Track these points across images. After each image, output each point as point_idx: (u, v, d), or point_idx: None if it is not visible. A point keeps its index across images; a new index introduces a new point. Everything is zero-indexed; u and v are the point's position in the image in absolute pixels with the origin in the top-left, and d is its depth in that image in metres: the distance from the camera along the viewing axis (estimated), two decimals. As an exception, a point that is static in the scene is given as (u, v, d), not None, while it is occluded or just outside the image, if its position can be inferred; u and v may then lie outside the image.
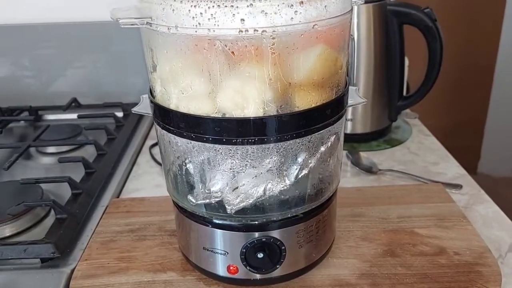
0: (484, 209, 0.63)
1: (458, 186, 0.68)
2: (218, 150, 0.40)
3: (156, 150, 0.82)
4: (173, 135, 0.41)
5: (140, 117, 0.93)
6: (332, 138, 0.43)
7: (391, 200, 0.62)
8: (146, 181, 0.73)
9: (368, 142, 0.83)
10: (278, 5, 0.34)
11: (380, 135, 0.84)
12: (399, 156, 0.79)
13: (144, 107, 0.46)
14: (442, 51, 0.76)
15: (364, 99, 0.46)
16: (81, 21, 0.97)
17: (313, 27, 0.36)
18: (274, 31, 0.35)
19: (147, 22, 0.38)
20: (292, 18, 0.35)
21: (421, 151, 0.80)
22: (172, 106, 0.40)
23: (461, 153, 0.94)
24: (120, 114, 0.93)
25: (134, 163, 0.79)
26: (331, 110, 0.41)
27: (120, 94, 0.97)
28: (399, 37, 0.78)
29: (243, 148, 0.39)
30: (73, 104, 0.95)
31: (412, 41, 0.85)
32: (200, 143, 0.40)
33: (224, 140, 0.39)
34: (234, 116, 0.38)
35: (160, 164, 0.77)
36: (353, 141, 0.82)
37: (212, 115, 0.39)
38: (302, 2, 0.35)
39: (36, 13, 0.97)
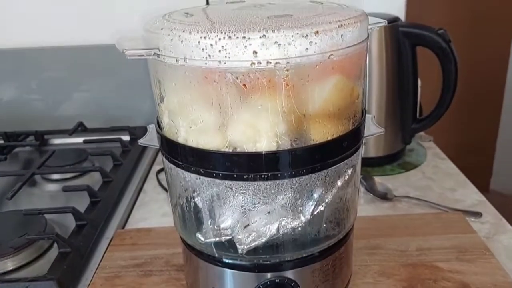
0: (507, 239, 0.60)
1: (477, 214, 0.65)
2: (229, 186, 0.38)
3: (163, 176, 0.80)
4: (181, 169, 0.39)
5: (147, 141, 0.91)
6: (349, 171, 0.41)
7: (409, 230, 0.59)
8: (153, 210, 0.71)
9: (382, 166, 0.80)
10: (292, 36, 0.33)
11: (394, 159, 0.82)
12: (415, 181, 0.76)
13: (150, 139, 0.44)
14: (457, 72, 0.74)
15: (381, 128, 0.44)
16: (88, 45, 0.96)
17: (328, 58, 0.34)
18: (288, 62, 0.33)
19: (154, 53, 0.36)
20: (306, 48, 0.33)
21: (437, 176, 0.77)
22: (181, 140, 0.38)
23: (473, 171, 0.91)
24: (127, 138, 0.91)
25: (140, 190, 0.77)
26: (348, 142, 0.39)
27: (127, 118, 0.96)
28: (412, 59, 0.76)
29: (255, 184, 0.37)
30: (79, 128, 0.93)
31: (424, 60, 0.83)
32: (209, 178, 0.38)
33: (235, 175, 0.37)
34: (246, 151, 0.36)
35: (167, 190, 0.75)
36: (366, 165, 0.80)
37: (222, 150, 0.36)
38: (317, 32, 0.33)
39: (42, 36, 0.97)
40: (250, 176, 0.37)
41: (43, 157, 0.80)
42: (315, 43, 0.33)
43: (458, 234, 0.58)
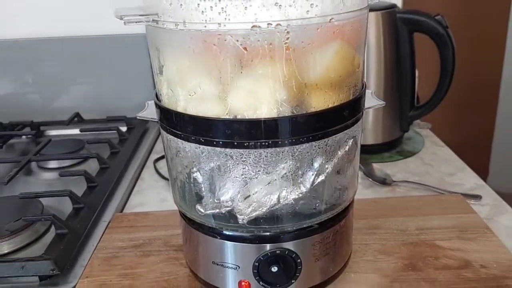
0: (508, 220, 0.60)
1: (477, 197, 0.64)
2: (229, 155, 0.37)
3: (161, 164, 0.80)
4: (181, 140, 0.39)
5: (144, 131, 0.90)
6: (350, 142, 0.41)
7: (409, 211, 0.59)
8: (151, 196, 0.70)
9: (380, 154, 0.80)
10: (293, -3, 0.32)
11: (392, 146, 0.82)
12: (413, 167, 0.76)
13: (149, 113, 0.44)
14: (455, 59, 0.74)
15: (381, 101, 0.44)
16: (85, 36, 0.96)
17: (330, 21, 0.34)
18: (288, 25, 0.33)
19: (153, 19, 0.36)
20: (308, 11, 0.33)
21: (435, 162, 0.77)
22: (180, 109, 0.38)
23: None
24: (124, 128, 0.90)
25: (138, 177, 0.76)
26: (349, 112, 0.39)
27: (124, 109, 0.95)
28: (410, 46, 0.77)
29: (255, 152, 0.37)
30: (76, 119, 0.93)
31: (421, 51, 0.83)
32: (209, 147, 0.37)
33: (235, 143, 0.36)
34: (246, 117, 0.36)
35: (165, 179, 0.75)
36: (364, 152, 0.79)
37: (222, 117, 0.36)
38: (318, -6, 0.33)
39: (39, 27, 0.96)
40: (250, 143, 0.36)
41: (39, 146, 0.79)
42: (316, 5, 0.33)
43: (458, 215, 0.58)
